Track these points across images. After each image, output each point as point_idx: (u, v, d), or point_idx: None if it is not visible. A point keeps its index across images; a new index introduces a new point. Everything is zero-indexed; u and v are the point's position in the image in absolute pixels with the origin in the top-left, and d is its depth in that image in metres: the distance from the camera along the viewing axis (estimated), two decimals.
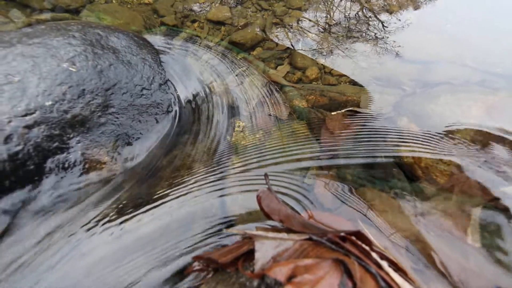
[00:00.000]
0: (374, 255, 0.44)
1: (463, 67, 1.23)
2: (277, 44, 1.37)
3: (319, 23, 1.51)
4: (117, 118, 0.85)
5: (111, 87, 0.86)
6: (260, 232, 0.50)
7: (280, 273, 0.40)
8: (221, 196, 0.79)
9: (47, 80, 0.77)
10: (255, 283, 0.43)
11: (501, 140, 0.88)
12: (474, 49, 1.33)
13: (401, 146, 0.90)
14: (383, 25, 1.50)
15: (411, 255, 0.64)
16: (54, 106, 0.76)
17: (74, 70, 0.81)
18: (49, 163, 0.75)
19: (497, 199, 0.73)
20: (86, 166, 0.79)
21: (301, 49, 1.34)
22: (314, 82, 1.21)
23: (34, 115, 0.74)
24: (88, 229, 0.71)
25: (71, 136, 0.78)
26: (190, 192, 0.79)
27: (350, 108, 1.02)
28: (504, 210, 0.71)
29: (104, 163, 0.81)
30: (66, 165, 0.77)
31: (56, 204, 0.75)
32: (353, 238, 0.46)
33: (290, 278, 0.40)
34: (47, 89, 0.76)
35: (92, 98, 0.82)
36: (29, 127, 0.72)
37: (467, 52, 1.31)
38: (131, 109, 0.89)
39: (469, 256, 0.64)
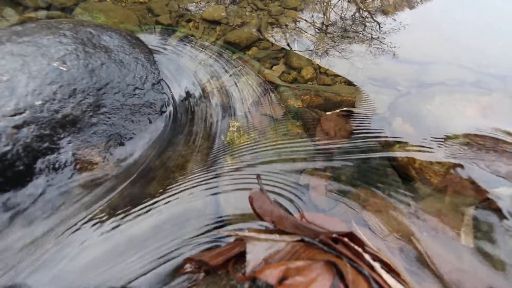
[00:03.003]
0: (366, 256, 0.44)
1: (458, 68, 1.24)
2: (272, 44, 1.36)
3: (314, 23, 1.51)
4: (109, 118, 0.84)
5: (103, 87, 0.85)
6: (252, 234, 0.49)
7: (271, 275, 0.39)
8: (215, 196, 0.78)
9: (37, 79, 0.76)
10: (246, 285, 0.43)
11: (495, 140, 0.88)
12: (469, 50, 1.33)
13: (395, 146, 0.90)
14: (378, 26, 1.50)
15: (405, 256, 0.64)
16: (44, 106, 0.75)
17: (64, 69, 0.80)
18: (39, 164, 0.74)
19: (490, 199, 0.73)
20: (77, 166, 0.78)
21: (297, 49, 1.34)
22: (309, 82, 1.20)
23: (23, 114, 0.72)
24: (80, 231, 0.70)
25: (62, 136, 0.76)
26: (183, 192, 0.79)
27: (345, 108, 1.02)
28: (497, 210, 0.71)
29: (96, 163, 0.80)
30: (57, 166, 0.75)
31: (47, 205, 0.74)
32: (346, 239, 0.45)
33: (281, 281, 0.40)
34: (37, 89, 0.75)
35: (83, 98, 0.80)
36: (18, 127, 0.71)
37: (462, 52, 1.31)
38: (124, 109, 0.87)
39: (462, 257, 0.64)
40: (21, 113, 0.72)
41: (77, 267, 0.64)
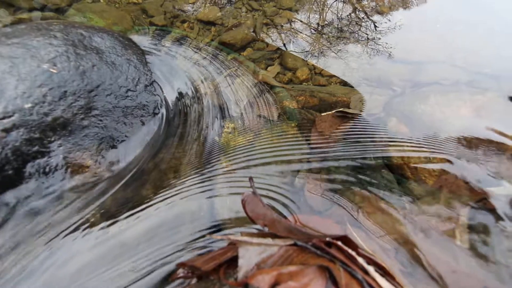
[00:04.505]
0: (360, 260, 0.43)
1: (453, 68, 1.24)
2: (267, 45, 1.36)
3: (309, 23, 1.51)
4: (100, 120, 0.83)
5: (94, 89, 0.83)
6: (244, 238, 0.48)
7: (263, 281, 0.39)
8: (209, 199, 0.77)
9: (26, 82, 0.75)
10: None
11: (489, 140, 0.88)
12: (464, 50, 1.34)
13: (390, 147, 0.89)
14: (374, 26, 1.50)
15: (400, 258, 0.63)
16: (34, 109, 0.74)
17: (55, 71, 0.79)
18: (29, 168, 0.72)
19: (485, 199, 0.73)
20: (69, 170, 0.76)
21: (292, 50, 1.33)
22: (304, 83, 1.20)
23: (12, 118, 0.71)
24: (72, 235, 0.69)
25: (52, 139, 0.75)
26: (177, 195, 0.78)
27: (340, 109, 1.01)
28: (492, 210, 0.71)
29: (88, 167, 0.79)
30: (47, 170, 0.74)
31: (37, 210, 0.72)
32: (339, 243, 0.44)
33: (273, 286, 0.39)
34: (26, 91, 0.74)
35: (74, 100, 0.79)
36: (7, 130, 0.70)
37: (456, 52, 1.32)
38: (116, 111, 0.86)
39: (458, 258, 0.64)
40: (10, 116, 0.71)
41: (68, 272, 0.63)
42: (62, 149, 0.76)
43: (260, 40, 1.38)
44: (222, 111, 1.04)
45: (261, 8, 1.56)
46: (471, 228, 0.68)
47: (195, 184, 0.80)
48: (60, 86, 0.78)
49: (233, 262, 0.47)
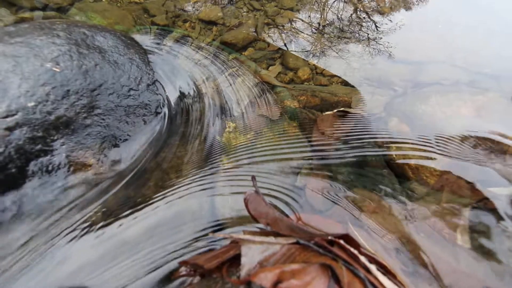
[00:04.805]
0: (362, 258, 0.43)
1: (453, 68, 1.24)
2: (269, 45, 1.36)
3: (311, 23, 1.51)
4: (103, 119, 0.83)
5: (97, 88, 0.84)
6: (247, 236, 0.48)
7: (265, 279, 0.39)
8: (210, 197, 0.77)
9: (30, 81, 0.75)
10: None
11: (489, 140, 0.88)
12: (464, 50, 1.34)
13: (392, 146, 0.90)
14: (375, 26, 1.50)
15: (402, 257, 0.64)
16: (37, 107, 0.74)
17: (58, 70, 0.79)
18: (32, 166, 0.73)
19: (486, 199, 0.73)
20: (71, 169, 0.77)
21: (293, 50, 1.34)
22: (305, 83, 1.20)
23: (15, 116, 0.71)
24: (73, 234, 0.69)
25: (55, 138, 0.75)
26: (178, 194, 0.78)
27: (341, 109, 1.01)
28: (493, 210, 0.71)
29: (90, 165, 0.79)
30: (50, 168, 0.74)
31: (40, 208, 0.73)
32: (341, 241, 0.45)
33: (276, 284, 0.39)
34: (30, 90, 0.74)
35: (77, 99, 0.79)
36: (10, 129, 0.70)
37: (456, 52, 1.32)
38: (118, 110, 0.86)
39: (459, 257, 0.64)
40: (13, 115, 0.71)
41: (68, 271, 0.63)
42: (65, 147, 0.76)
43: (261, 40, 1.38)
44: (224, 110, 1.04)
45: (262, 8, 1.56)
46: (472, 228, 0.68)
47: (196, 183, 0.81)
48: (63, 85, 0.78)
49: (235, 260, 0.47)
